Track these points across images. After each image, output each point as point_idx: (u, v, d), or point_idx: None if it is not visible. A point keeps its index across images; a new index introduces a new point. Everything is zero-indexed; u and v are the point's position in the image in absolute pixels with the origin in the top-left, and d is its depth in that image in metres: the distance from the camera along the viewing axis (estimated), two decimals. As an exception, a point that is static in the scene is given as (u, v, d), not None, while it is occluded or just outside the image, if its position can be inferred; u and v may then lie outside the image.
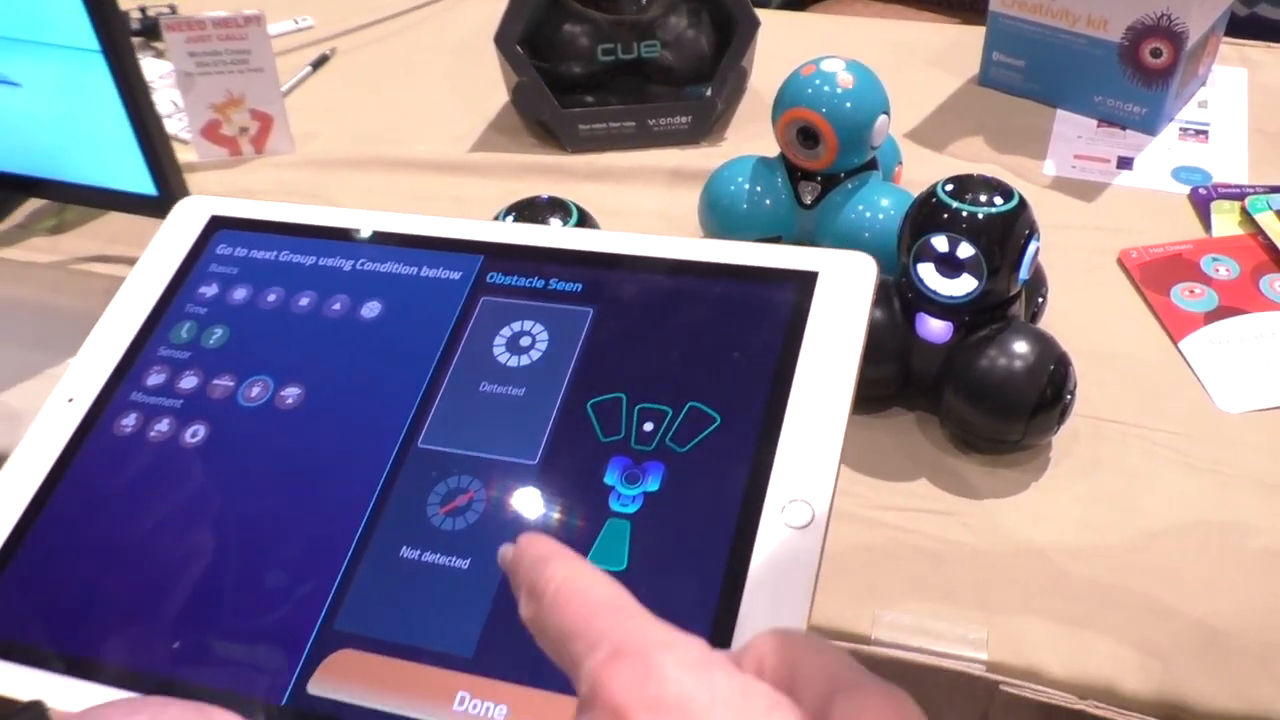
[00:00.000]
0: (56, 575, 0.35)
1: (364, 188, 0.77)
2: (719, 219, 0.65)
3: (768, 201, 0.64)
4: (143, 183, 0.65)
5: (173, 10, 0.95)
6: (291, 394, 0.38)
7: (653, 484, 0.33)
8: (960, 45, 0.87)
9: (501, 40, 0.76)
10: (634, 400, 0.34)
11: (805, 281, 0.35)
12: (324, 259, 0.41)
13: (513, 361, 0.37)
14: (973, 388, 0.53)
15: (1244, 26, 0.89)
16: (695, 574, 0.30)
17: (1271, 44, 0.88)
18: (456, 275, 0.39)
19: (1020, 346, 0.53)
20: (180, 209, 0.44)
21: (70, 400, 0.39)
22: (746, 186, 0.65)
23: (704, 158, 0.77)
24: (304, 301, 0.40)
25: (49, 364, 0.63)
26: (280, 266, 0.41)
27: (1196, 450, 0.56)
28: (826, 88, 0.61)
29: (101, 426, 0.38)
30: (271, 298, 0.40)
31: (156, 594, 0.34)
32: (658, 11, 0.78)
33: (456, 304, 0.38)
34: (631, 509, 0.32)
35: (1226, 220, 0.69)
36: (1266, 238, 0.66)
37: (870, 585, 0.50)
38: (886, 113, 0.62)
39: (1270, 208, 0.68)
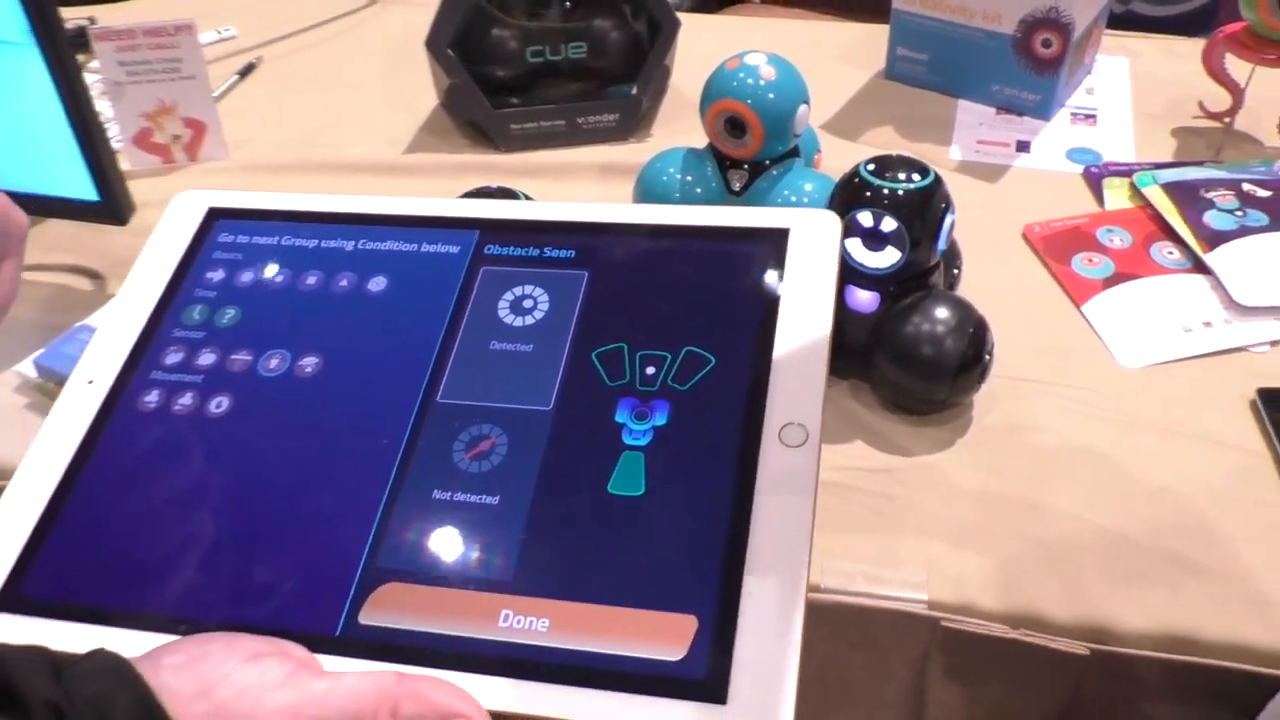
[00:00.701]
0: (101, 537, 0.37)
1: (301, 190, 0.78)
2: (654, 207, 0.69)
3: (699, 189, 0.68)
4: (84, 188, 0.66)
5: (92, 22, 0.95)
6: (310, 363, 0.40)
7: (660, 419, 0.36)
8: (865, 42, 0.92)
9: (433, 44, 0.78)
10: (635, 349, 0.38)
11: (779, 237, 0.39)
12: (325, 241, 0.43)
13: (518, 322, 0.40)
14: (900, 353, 0.57)
15: (1121, 21, 0.96)
16: (708, 493, 0.34)
17: (1149, 34, 0.95)
18: (455, 249, 0.42)
19: (941, 312, 0.57)
20: (177, 203, 0.45)
21: (90, 382, 0.40)
22: (678, 176, 0.68)
23: (632, 152, 0.81)
24: (311, 280, 0.42)
25: (-4, 370, 0.64)
26: (283, 250, 0.43)
27: (1102, 402, 0.61)
28: (750, 80, 0.64)
29: (125, 404, 0.40)
30: (279, 278, 0.42)
31: (201, 549, 0.36)
32: (583, 15, 0.81)
33: (459, 274, 0.41)
34: (643, 442, 0.36)
35: (1117, 195, 0.75)
36: (1154, 209, 0.72)
37: (817, 538, 0.54)
38: (806, 102, 0.66)
39: (1156, 182, 0.74)
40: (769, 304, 0.38)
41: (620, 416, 0.37)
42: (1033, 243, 0.71)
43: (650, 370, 0.37)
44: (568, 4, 0.81)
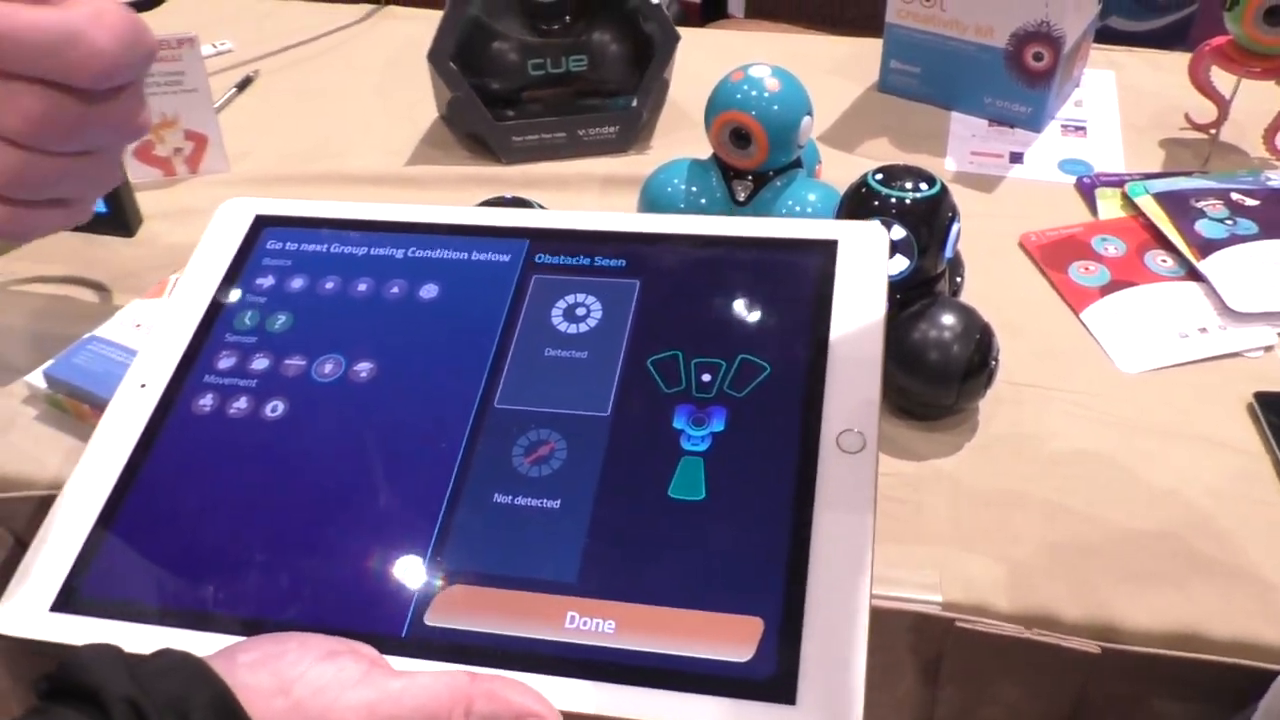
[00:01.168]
0: (161, 538, 0.37)
1: (303, 203, 0.79)
2: (659, 218, 0.69)
3: (703, 200, 0.69)
4: (92, 201, 0.66)
5: (86, 36, 0.94)
6: (364, 368, 0.40)
7: (718, 425, 0.37)
8: (857, 56, 0.94)
9: (435, 57, 0.79)
10: (690, 356, 0.38)
11: (828, 247, 0.40)
12: (375, 249, 0.44)
13: (571, 329, 0.40)
14: (908, 359, 0.58)
15: (1098, 35, 0.97)
16: (769, 498, 0.35)
17: (1132, 48, 0.97)
18: (506, 258, 0.42)
19: (948, 319, 0.58)
20: (223, 211, 0.46)
21: (143, 385, 0.41)
22: (683, 187, 0.69)
23: (633, 164, 0.81)
24: (362, 287, 0.43)
25: (1, 382, 0.63)
26: (333, 257, 0.44)
27: (1103, 406, 0.62)
28: (755, 92, 0.65)
29: (180, 407, 0.40)
30: (329, 285, 0.43)
31: (262, 550, 0.36)
32: (584, 28, 0.82)
33: (510, 282, 0.42)
34: (702, 447, 0.36)
35: (1110, 205, 0.77)
36: (1147, 219, 0.74)
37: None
38: (810, 114, 0.67)
39: (1148, 192, 0.75)
40: (822, 313, 0.38)
41: (678, 422, 0.37)
42: (1030, 251, 0.73)
43: (706, 377, 0.38)
44: (568, 17, 0.82)
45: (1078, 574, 0.53)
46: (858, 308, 0.38)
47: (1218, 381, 0.63)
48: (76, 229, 0.71)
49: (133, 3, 0.93)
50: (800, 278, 0.40)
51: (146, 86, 0.76)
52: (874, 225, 0.40)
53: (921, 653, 0.54)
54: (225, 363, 0.41)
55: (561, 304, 0.41)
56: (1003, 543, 0.54)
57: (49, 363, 0.62)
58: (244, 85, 0.92)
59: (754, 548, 0.34)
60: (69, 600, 0.36)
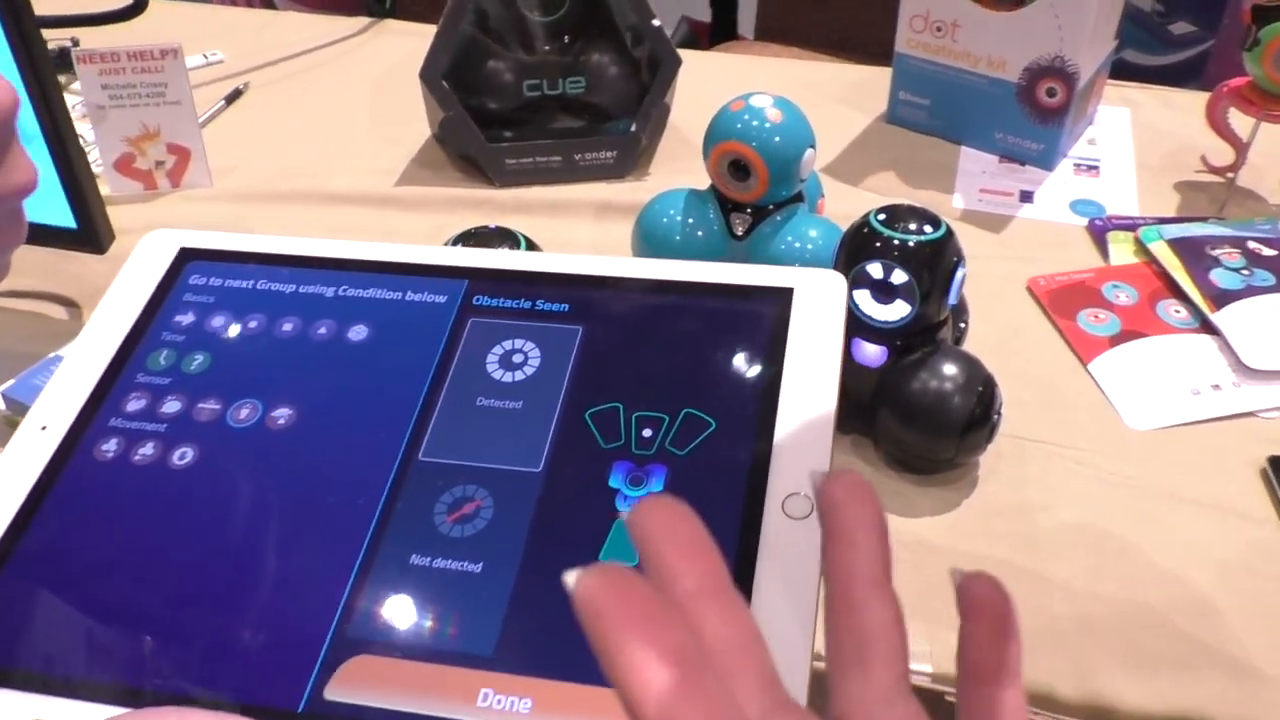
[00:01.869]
0: (47, 596, 0.34)
1: (287, 221, 0.76)
2: (653, 250, 0.67)
3: (700, 233, 0.66)
4: (62, 215, 0.63)
5: (75, 43, 0.92)
6: (283, 414, 0.37)
7: (656, 485, 0.34)
8: (866, 84, 0.91)
9: (428, 75, 0.76)
10: (630, 409, 0.36)
11: (783, 296, 0.37)
12: (304, 286, 0.41)
13: (507, 377, 0.37)
14: (907, 409, 0.56)
15: (1112, 70, 0.95)
16: None
17: (1146, 85, 0.94)
18: (442, 299, 0.40)
19: (950, 369, 0.56)
20: (147, 241, 0.43)
21: (44, 428, 0.38)
22: (679, 218, 0.66)
23: (630, 191, 0.79)
24: (287, 326, 0.40)
25: (-36, 404, 0.61)
26: (259, 294, 0.41)
27: (1110, 465, 0.59)
28: (756, 122, 0.63)
29: (81, 452, 0.37)
30: (253, 324, 0.40)
31: (156, 611, 0.33)
32: (582, 49, 0.79)
33: (445, 325, 0.39)
34: None
35: (1122, 250, 0.74)
36: (1160, 266, 0.71)
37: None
38: (813, 146, 0.64)
39: (1161, 237, 0.73)
40: (773, 367, 0.36)
41: (614, 481, 0.34)
42: (1038, 296, 0.70)
43: (647, 432, 0.35)
44: (566, 37, 0.79)
45: (1076, 650, 0.50)
46: (811, 362, 0.35)
47: (1230, 443, 0.60)
48: (47, 244, 0.69)
49: (114, 12, 0.91)
50: (753, 328, 0.37)
51: (130, 97, 0.74)
52: (832, 274, 0.37)
53: (911, 725, 0.51)
54: (134, 405, 0.38)
55: (498, 350, 0.38)
56: (1000, 610, 0.51)
57: (8, 383, 0.60)
58: (233, 97, 0.90)
59: None
60: None
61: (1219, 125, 0.78)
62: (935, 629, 0.50)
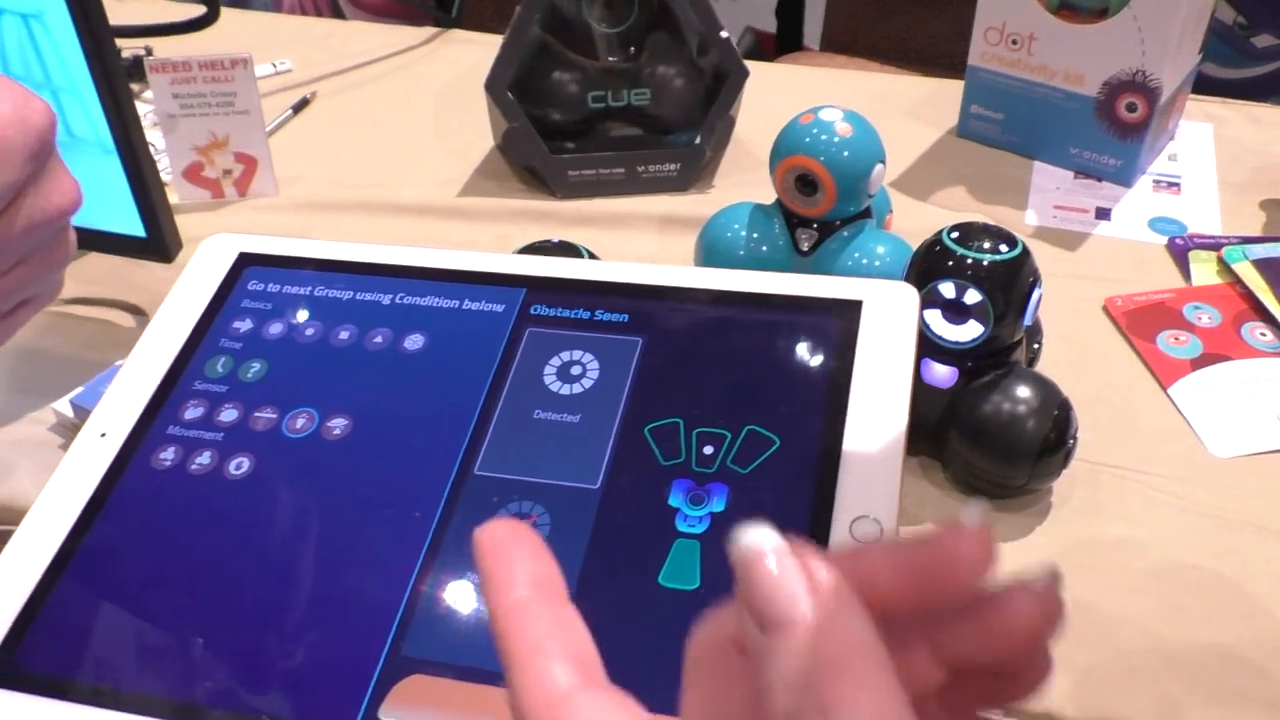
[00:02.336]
0: (103, 607, 0.34)
1: (350, 231, 0.76)
2: (716, 264, 0.65)
3: (764, 248, 0.65)
4: (131, 224, 0.64)
5: (149, 52, 0.94)
6: (339, 425, 0.37)
7: (718, 505, 0.33)
8: (936, 98, 0.89)
9: (492, 86, 0.76)
10: (691, 425, 0.34)
11: (851, 309, 0.35)
12: (361, 293, 0.40)
13: (565, 390, 0.36)
14: (978, 432, 0.54)
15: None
16: None
17: (1228, 100, 0.91)
18: (499, 308, 0.39)
19: (1023, 391, 0.54)
20: (206, 247, 0.43)
21: (103, 435, 0.38)
22: (744, 233, 0.65)
23: (693, 204, 0.78)
24: (344, 335, 0.39)
25: (33, 408, 0.62)
26: (316, 301, 0.41)
27: (1191, 494, 0.56)
28: (825, 136, 0.61)
29: (139, 460, 0.37)
30: (310, 331, 0.40)
31: (210, 624, 0.33)
32: (648, 60, 0.78)
33: (502, 335, 0.38)
34: (699, 529, 0.32)
35: (1205, 269, 0.71)
36: (1245, 287, 0.68)
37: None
38: (883, 161, 0.63)
39: (1246, 258, 0.70)
40: (840, 383, 0.34)
41: (674, 500, 0.33)
42: (1115, 317, 0.67)
43: (708, 450, 0.34)
44: (632, 48, 0.79)
45: (1156, 687, 0.48)
46: (881, 378, 0.34)
47: (1320, 473, 0.57)
48: (116, 253, 0.70)
49: (186, 21, 0.92)
50: (819, 341, 0.35)
51: (200, 106, 0.75)
52: (903, 287, 0.36)
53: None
54: (192, 413, 0.38)
55: (556, 361, 0.37)
56: (1073, 645, 0.49)
57: (76, 391, 0.60)
58: (300, 107, 0.90)
59: None
60: (1, 673, 0.33)
61: (1308, 141, 0.75)
62: (1006, 662, 0.48)
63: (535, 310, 0.39)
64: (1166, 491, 0.57)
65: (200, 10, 0.99)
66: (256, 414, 0.38)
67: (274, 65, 0.96)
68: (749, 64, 0.80)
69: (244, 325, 0.40)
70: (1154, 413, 0.61)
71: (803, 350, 0.36)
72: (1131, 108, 0.76)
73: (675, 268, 0.39)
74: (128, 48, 0.92)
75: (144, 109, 0.85)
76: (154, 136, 0.81)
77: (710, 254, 0.66)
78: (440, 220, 0.77)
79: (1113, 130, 0.78)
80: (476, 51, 0.97)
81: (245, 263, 0.42)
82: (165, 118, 0.76)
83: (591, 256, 0.57)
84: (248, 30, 1.03)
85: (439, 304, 0.39)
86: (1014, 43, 0.78)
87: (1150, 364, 0.64)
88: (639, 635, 0.31)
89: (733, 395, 0.35)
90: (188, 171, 0.78)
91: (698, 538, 0.32)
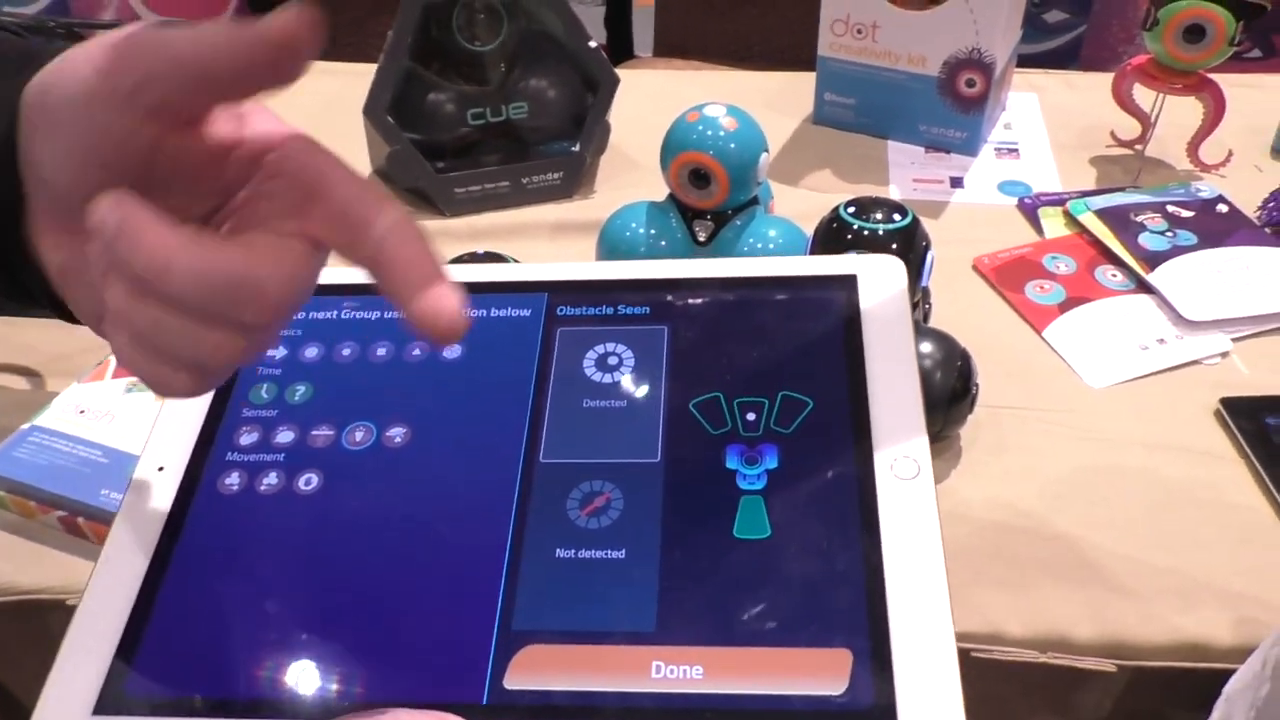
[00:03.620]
0: (208, 627, 0.34)
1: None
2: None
3: (664, 242, 0.68)
4: (21, 282, 0.62)
5: None
6: (398, 433, 0.38)
7: (771, 462, 0.36)
8: (789, 90, 0.94)
9: (371, 110, 0.76)
10: (731, 396, 0.37)
11: (849, 282, 0.39)
12: (389, 311, 0.41)
13: (606, 379, 0.39)
14: (892, 389, 0.58)
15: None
16: (835, 531, 0.34)
17: (1050, 69, 1.00)
18: (526, 312, 0.41)
19: (927, 347, 0.58)
20: None
21: (161, 469, 0.38)
22: (641, 230, 0.68)
23: (580, 209, 0.80)
24: (381, 351, 0.40)
25: None
26: (345, 324, 0.42)
27: (1079, 422, 0.63)
28: (711, 131, 0.65)
29: (205, 488, 0.37)
30: (346, 351, 0.41)
31: (321, 631, 0.34)
32: (520, 75, 0.80)
33: (535, 337, 0.40)
34: (759, 485, 0.35)
35: (1054, 223, 0.78)
36: (1091, 235, 0.76)
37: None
38: (766, 150, 0.66)
39: (1089, 209, 0.77)
40: (854, 345, 0.38)
41: (731, 463, 0.36)
42: (985, 274, 0.74)
43: (751, 416, 0.37)
44: (503, 65, 0.80)
45: (1085, 594, 0.53)
46: (887, 339, 0.38)
47: (1183, 391, 0.64)
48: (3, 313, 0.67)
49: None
50: (826, 313, 0.40)
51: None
52: (890, 259, 0.40)
53: (937, 687, 0.53)
54: (247, 438, 0.39)
55: (592, 354, 0.40)
56: (1006, 567, 0.54)
57: (-13, 457, 0.58)
58: (163, 150, 0.88)
59: (829, 580, 0.33)
60: (112, 702, 0.33)
61: (1125, 101, 0.83)
62: (954, 592, 0.52)
63: (561, 311, 0.41)
64: (1058, 424, 0.62)
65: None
66: (314, 432, 0.39)
67: (124, 111, 0.93)
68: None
69: (278, 352, 0.41)
70: (1034, 355, 0.67)
71: (814, 320, 0.40)
72: (970, 83, 0.83)
73: (682, 262, 0.42)
74: None
75: None
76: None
77: (612, 253, 0.68)
78: (333, 249, 0.77)
79: (955, 105, 0.84)
80: (339, 80, 0.96)
81: None
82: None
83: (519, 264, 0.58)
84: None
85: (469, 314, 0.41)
86: (859, 32, 0.84)
87: (1023, 312, 0.70)
88: (728, 582, 0.34)
89: (761, 367, 0.39)
90: (59, 226, 0.75)
91: (760, 494, 0.36)
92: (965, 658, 0.52)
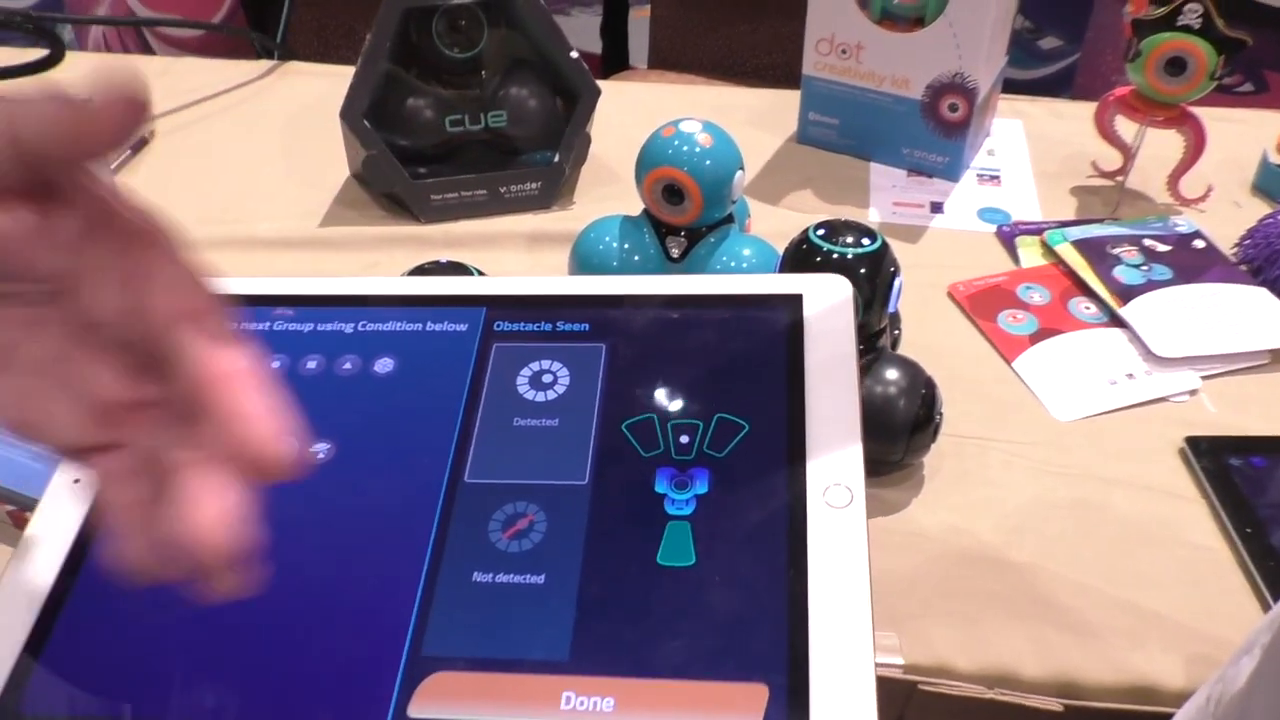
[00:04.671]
0: (110, 643, 0.33)
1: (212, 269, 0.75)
2: (592, 276, 0.68)
3: (636, 257, 0.67)
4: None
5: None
6: (320, 449, 0.37)
7: (701, 487, 0.35)
8: (774, 108, 0.94)
9: (348, 114, 0.76)
10: (665, 418, 0.37)
11: (794, 302, 0.39)
12: (322, 324, 0.41)
13: (540, 397, 0.38)
14: (854, 415, 0.58)
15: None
16: (761, 560, 0.33)
17: (1036, 97, 1.00)
18: (463, 327, 0.40)
19: (892, 373, 0.58)
20: None
21: (76, 481, 0.37)
22: (615, 244, 0.68)
23: (558, 221, 0.80)
24: (311, 364, 0.40)
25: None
26: (278, 335, 0.41)
27: (1042, 455, 0.62)
28: (686, 147, 0.64)
29: None
30: (275, 364, 0.40)
31: (226, 652, 0.33)
32: (500, 83, 0.80)
33: (470, 352, 0.40)
34: (687, 511, 0.35)
35: (1031, 253, 0.78)
36: (1067, 266, 0.75)
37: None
38: (742, 168, 0.66)
39: (1066, 239, 0.77)
40: (795, 367, 0.38)
41: (660, 487, 0.36)
42: (959, 301, 0.73)
43: (684, 439, 0.37)
44: (484, 72, 0.80)
45: (1035, 630, 0.52)
46: (830, 360, 0.38)
47: (1148, 427, 0.64)
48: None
49: (31, 64, 0.88)
50: (769, 333, 0.39)
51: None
52: (838, 278, 0.40)
53: (885, 717, 0.53)
54: None
55: (527, 371, 0.39)
56: (958, 600, 0.54)
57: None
58: (139, 147, 0.88)
59: (751, 611, 0.33)
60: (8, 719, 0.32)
61: (1107, 132, 0.83)
62: (899, 623, 0.52)
63: (499, 326, 0.40)
64: (1021, 456, 0.62)
65: (41, 53, 0.95)
66: None
67: (106, 104, 0.93)
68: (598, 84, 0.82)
69: None
70: (1002, 385, 0.67)
71: (756, 341, 0.39)
72: (953, 108, 0.82)
73: (627, 278, 0.42)
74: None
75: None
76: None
77: (584, 266, 0.68)
78: (306, 252, 0.77)
79: (938, 130, 0.84)
80: (318, 82, 0.96)
81: None
82: (1, 163, 0.72)
83: (481, 274, 0.58)
84: (78, 70, 0.99)
85: (403, 328, 0.41)
86: (843, 52, 0.84)
87: (994, 341, 0.70)
88: (648, 610, 0.33)
89: (699, 388, 0.38)
90: (30, 217, 0.74)
91: (687, 519, 0.35)
92: (912, 691, 0.52)
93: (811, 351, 0.38)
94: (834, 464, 0.35)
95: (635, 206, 0.68)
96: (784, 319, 0.39)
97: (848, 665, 0.31)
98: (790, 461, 0.36)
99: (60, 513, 0.37)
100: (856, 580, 0.33)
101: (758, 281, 0.41)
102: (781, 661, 0.31)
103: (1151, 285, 0.73)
